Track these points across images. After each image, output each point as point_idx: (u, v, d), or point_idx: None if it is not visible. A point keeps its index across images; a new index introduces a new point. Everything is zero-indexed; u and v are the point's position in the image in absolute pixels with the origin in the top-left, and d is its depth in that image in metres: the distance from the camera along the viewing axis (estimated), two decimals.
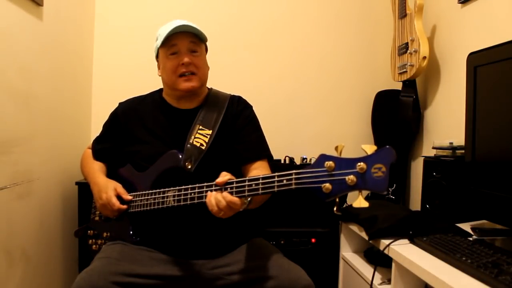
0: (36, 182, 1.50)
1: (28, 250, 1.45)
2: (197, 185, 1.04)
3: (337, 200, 0.82)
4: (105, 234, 1.31)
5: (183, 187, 1.08)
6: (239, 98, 1.39)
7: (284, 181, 0.88)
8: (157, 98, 1.36)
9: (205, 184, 1.03)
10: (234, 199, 0.96)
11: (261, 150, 1.31)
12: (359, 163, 0.76)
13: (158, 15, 2.12)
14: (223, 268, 1.16)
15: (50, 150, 1.64)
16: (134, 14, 2.14)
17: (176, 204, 1.09)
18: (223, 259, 1.19)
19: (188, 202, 1.06)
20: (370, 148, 0.76)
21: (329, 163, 0.80)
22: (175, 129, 1.27)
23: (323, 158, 0.82)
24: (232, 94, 1.40)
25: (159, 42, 1.26)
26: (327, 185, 0.80)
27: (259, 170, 1.24)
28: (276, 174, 0.90)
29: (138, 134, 1.29)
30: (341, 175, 0.78)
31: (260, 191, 0.93)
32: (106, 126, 1.39)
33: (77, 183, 1.77)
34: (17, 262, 1.38)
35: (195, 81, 1.25)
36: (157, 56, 1.33)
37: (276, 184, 0.89)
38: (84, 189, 1.75)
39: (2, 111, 1.28)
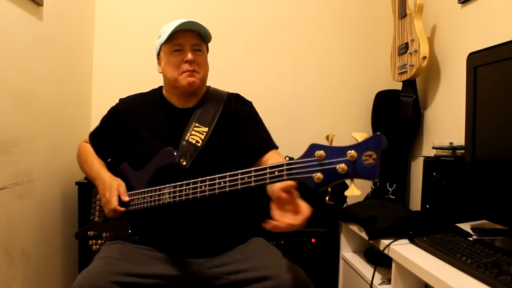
0: (36, 182, 1.50)
1: (28, 250, 1.45)
2: (192, 181, 1.04)
3: (329, 189, 0.81)
4: (104, 234, 1.31)
5: (178, 183, 1.08)
6: (237, 95, 1.39)
7: (276, 173, 0.87)
8: (158, 96, 1.36)
9: (199, 179, 1.02)
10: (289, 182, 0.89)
11: (270, 140, 1.32)
12: (349, 151, 0.75)
13: (158, 15, 2.12)
14: (221, 268, 1.16)
15: (50, 150, 1.64)
16: (134, 14, 2.14)
17: (172, 200, 1.09)
18: (222, 258, 1.19)
19: (183, 198, 1.06)
20: (360, 136, 0.75)
21: (320, 153, 0.79)
22: (173, 128, 1.27)
23: (313, 147, 0.81)
24: (230, 92, 1.40)
25: (162, 39, 1.26)
26: (318, 174, 0.78)
27: (274, 159, 1.22)
28: (268, 166, 0.89)
29: (138, 132, 1.29)
30: (332, 164, 0.77)
31: (253, 184, 0.92)
32: (104, 121, 1.39)
33: (77, 183, 1.77)
34: (17, 262, 1.38)
35: (197, 78, 1.26)
36: (158, 53, 1.33)
37: (268, 176, 0.89)
38: (84, 189, 1.75)
39: (2, 111, 1.28)
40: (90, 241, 1.34)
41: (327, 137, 0.81)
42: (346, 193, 0.77)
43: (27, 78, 1.44)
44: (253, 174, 0.92)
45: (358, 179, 0.75)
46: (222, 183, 0.97)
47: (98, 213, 1.35)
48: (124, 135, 1.31)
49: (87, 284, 1.01)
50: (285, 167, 0.85)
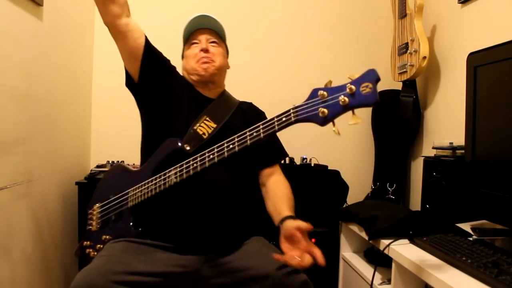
0: (36, 182, 1.50)
1: (28, 250, 1.45)
2: (198, 154, 1.05)
3: (334, 124, 0.88)
4: (104, 237, 1.27)
5: (184, 161, 1.08)
6: (251, 104, 1.45)
7: (284, 119, 0.92)
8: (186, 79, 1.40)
9: (206, 150, 1.04)
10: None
11: (279, 153, 1.40)
12: (348, 86, 0.83)
13: (158, 14, 2.12)
14: (222, 266, 1.16)
15: (50, 150, 1.64)
16: (134, 14, 2.13)
17: (179, 179, 1.09)
18: (223, 256, 1.19)
19: (191, 172, 1.06)
20: (355, 75, 0.85)
21: (322, 92, 0.87)
22: (192, 110, 1.30)
23: (315, 90, 0.88)
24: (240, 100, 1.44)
25: (184, 39, 1.41)
26: (323, 109, 0.86)
27: (276, 175, 1.34)
28: (275, 116, 0.94)
29: (171, 100, 1.31)
30: (334, 99, 0.86)
31: (262, 135, 0.95)
32: (162, 56, 1.35)
33: (77, 183, 1.77)
34: (17, 262, 1.38)
35: (211, 65, 1.33)
36: (182, 56, 1.42)
37: (276, 124, 0.93)
38: (84, 189, 1.75)
39: (2, 111, 1.28)
40: (87, 250, 1.31)
41: (326, 84, 0.88)
42: (350, 122, 0.85)
43: (27, 78, 1.44)
44: (261, 128, 0.96)
45: (359, 108, 0.84)
46: (230, 145, 1.00)
47: (95, 221, 1.32)
48: (163, 92, 1.31)
49: (87, 282, 1.01)
50: (291, 112, 0.91)
